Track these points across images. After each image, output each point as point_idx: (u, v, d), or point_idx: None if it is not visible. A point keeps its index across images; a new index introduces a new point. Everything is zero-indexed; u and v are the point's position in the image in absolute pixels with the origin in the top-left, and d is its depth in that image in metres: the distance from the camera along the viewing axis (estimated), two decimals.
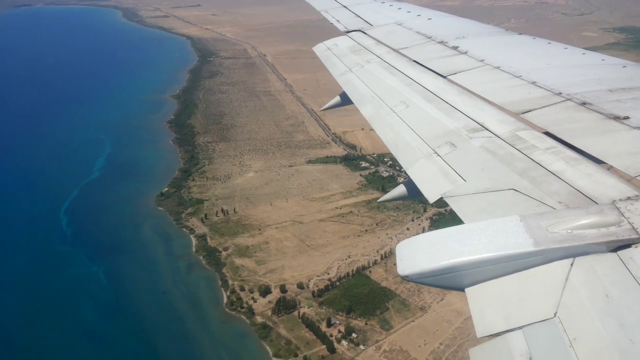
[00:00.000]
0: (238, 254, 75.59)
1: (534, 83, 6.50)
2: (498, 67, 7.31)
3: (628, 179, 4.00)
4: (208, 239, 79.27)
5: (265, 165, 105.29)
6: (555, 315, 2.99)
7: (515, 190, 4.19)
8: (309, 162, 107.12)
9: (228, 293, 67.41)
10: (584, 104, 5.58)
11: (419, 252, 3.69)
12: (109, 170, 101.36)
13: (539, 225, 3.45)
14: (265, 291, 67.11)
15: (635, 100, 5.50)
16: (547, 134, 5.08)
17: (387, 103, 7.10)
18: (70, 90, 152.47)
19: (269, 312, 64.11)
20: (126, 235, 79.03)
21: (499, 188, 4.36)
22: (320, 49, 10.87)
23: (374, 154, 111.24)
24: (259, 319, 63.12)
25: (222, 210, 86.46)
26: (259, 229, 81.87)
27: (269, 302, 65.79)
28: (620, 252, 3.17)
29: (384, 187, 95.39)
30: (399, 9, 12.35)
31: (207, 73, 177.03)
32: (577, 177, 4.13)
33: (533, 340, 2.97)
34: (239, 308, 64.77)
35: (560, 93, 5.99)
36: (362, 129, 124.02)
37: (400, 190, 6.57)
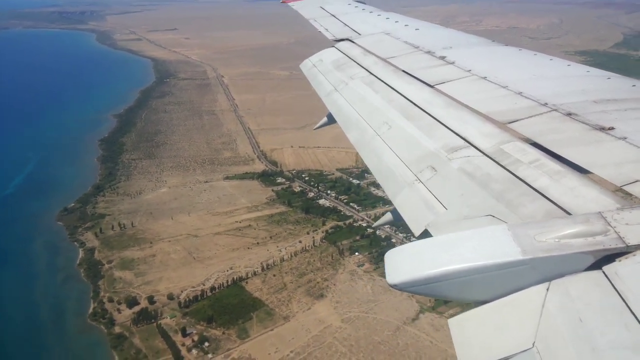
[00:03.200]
0: (120, 266, 76.36)
1: (520, 93, 6.49)
2: (485, 78, 7.27)
3: (614, 189, 3.99)
4: (96, 252, 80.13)
5: (181, 182, 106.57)
6: (533, 345, 2.94)
7: (493, 217, 4.12)
8: (226, 178, 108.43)
9: (95, 304, 68.09)
10: (569, 114, 5.59)
11: (408, 261, 3.61)
12: (23, 187, 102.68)
13: (527, 234, 3.44)
14: (132, 302, 67.75)
15: (619, 112, 5.55)
16: (534, 144, 5.04)
17: (370, 125, 6.90)
18: (14, 110, 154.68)
19: (129, 323, 64.67)
20: (15, 249, 79.98)
21: (476, 215, 4.27)
22: (306, 67, 10.33)
23: (293, 170, 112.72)
24: (117, 329, 63.72)
25: (120, 225, 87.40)
26: (151, 243, 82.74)
27: (134, 312, 66.34)
28: (605, 268, 3.14)
29: (290, 201, 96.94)
30: (387, 18, 12.32)
31: (158, 93, 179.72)
32: (560, 192, 4.08)
33: None
34: (101, 319, 65.39)
35: (546, 103, 6.00)
36: (291, 147, 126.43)
37: (387, 217, 6.53)
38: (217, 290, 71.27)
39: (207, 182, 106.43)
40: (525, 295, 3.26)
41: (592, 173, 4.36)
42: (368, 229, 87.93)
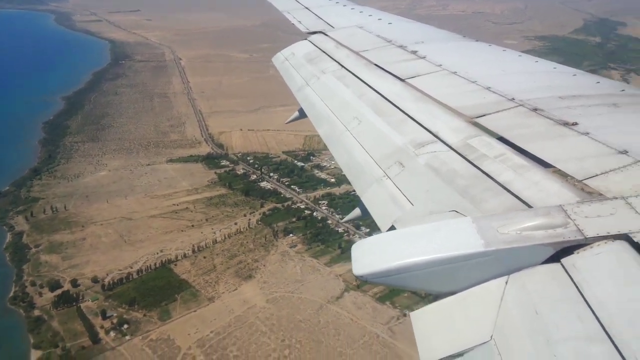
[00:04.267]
0: (48, 250, 75.22)
1: (488, 88, 6.55)
2: (455, 72, 7.37)
3: (575, 183, 4.06)
4: (25, 236, 78.74)
5: (123, 164, 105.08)
6: (491, 338, 2.99)
7: (457, 212, 4.16)
8: (169, 161, 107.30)
9: (16, 288, 67.09)
10: (535, 109, 5.67)
11: (374, 253, 3.67)
12: None
13: (490, 226, 3.50)
14: (55, 286, 66.90)
15: (583, 107, 5.64)
16: (500, 138, 5.12)
17: (341, 120, 6.92)
18: None
19: (49, 306, 63.93)
20: None
21: (441, 210, 4.31)
22: (278, 60, 10.27)
23: (239, 153, 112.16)
24: (36, 313, 62.96)
25: (52, 208, 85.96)
26: (82, 226, 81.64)
27: (55, 296, 65.52)
28: (563, 260, 3.20)
29: (231, 184, 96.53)
30: (360, 12, 12.33)
31: (111, 75, 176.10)
32: (523, 186, 4.15)
33: None
34: (20, 302, 64.49)
35: (514, 99, 6.08)
36: (240, 130, 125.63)
37: (356, 212, 6.66)
38: (143, 273, 70.84)
39: (149, 165, 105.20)
40: (485, 288, 3.29)
41: (555, 167, 4.42)
42: (306, 211, 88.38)
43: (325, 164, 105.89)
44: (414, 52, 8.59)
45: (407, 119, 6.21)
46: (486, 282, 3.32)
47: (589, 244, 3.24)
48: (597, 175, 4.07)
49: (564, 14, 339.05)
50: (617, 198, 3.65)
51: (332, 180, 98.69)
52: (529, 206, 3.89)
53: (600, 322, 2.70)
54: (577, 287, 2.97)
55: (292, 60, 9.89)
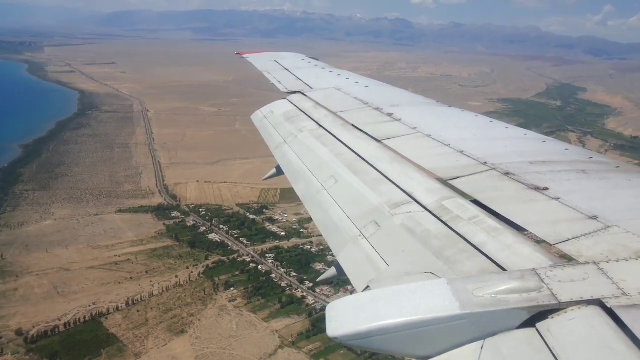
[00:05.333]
0: None
1: (461, 152, 6.62)
2: (429, 135, 7.46)
3: (548, 247, 4.03)
4: None
5: (70, 214, 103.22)
6: None
7: (432, 274, 4.11)
8: (119, 211, 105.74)
9: None
10: (507, 173, 5.73)
11: (348, 314, 3.56)
12: None
13: (465, 288, 3.44)
14: None
15: (553, 173, 5.69)
16: (474, 201, 5.12)
17: (318, 178, 6.86)
18: None
19: None
20: None
21: (417, 271, 4.26)
22: (257, 118, 10.33)
23: (192, 204, 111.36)
24: None
25: None
26: (17, 276, 78.99)
27: None
28: (538, 325, 3.16)
29: (178, 235, 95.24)
30: (338, 75, 12.63)
31: (75, 125, 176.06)
32: (497, 249, 4.15)
33: None
34: None
35: (486, 163, 6.12)
36: (197, 181, 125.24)
37: (332, 271, 6.35)
38: (71, 326, 68.25)
39: (97, 215, 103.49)
40: (461, 353, 3.24)
41: (527, 231, 4.42)
42: (251, 264, 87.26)
43: (277, 217, 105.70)
44: (390, 115, 8.78)
45: (383, 179, 6.27)
46: (462, 347, 3.29)
47: (562, 309, 3.23)
48: (568, 240, 4.11)
49: (529, 79, 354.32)
50: (588, 263, 3.67)
51: (282, 233, 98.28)
52: (503, 269, 3.90)
53: None
54: (552, 352, 2.96)
55: (270, 118, 10.01)
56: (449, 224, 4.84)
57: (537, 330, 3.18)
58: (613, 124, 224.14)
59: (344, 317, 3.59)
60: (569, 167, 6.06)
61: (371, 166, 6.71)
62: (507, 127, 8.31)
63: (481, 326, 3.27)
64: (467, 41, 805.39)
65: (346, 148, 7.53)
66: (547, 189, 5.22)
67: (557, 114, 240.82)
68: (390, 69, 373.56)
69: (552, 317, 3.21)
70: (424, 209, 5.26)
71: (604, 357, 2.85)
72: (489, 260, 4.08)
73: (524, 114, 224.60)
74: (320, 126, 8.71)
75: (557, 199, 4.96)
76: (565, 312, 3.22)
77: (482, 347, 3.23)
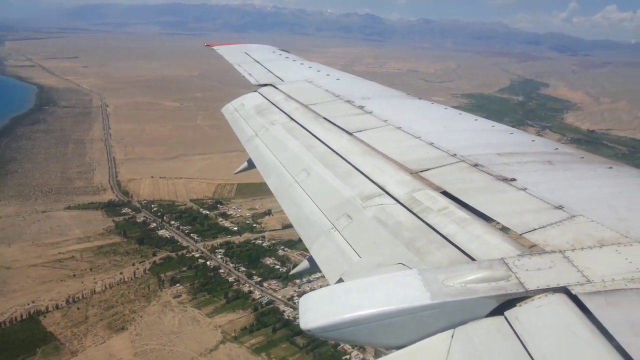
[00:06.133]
0: None
1: (431, 144, 6.65)
2: (400, 128, 7.48)
3: (515, 237, 4.05)
4: None
5: (17, 211, 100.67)
6: None
7: (403, 265, 4.13)
8: (67, 208, 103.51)
9: None
10: (476, 165, 5.77)
11: (321, 306, 3.56)
12: None
13: (436, 278, 3.48)
14: None
15: (520, 164, 5.76)
16: (444, 192, 5.13)
17: (289, 171, 6.83)
18: None
19: None
20: None
21: (388, 263, 4.28)
22: (228, 111, 10.15)
23: (144, 200, 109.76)
24: None
25: None
26: None
27: None
28: (506, 313, 3.19)
29: (126, 232, 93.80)
30: (309, 67, 12.54)
31: (30, 120, 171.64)
32: (466, 239, 4.20)
33: None
34: None
35: (455, 154, 6.17)
36: (152, 177, 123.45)
37: (304, 264, 6.20)
38: (7, 325, 66.69)
39: (44, 212, 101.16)
40: (432, 342, 3.27)
41: (496, 221, 4.48)
42: (200, 260, 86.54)
43: (231, 212, 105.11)
44: (361, 107, 8.79)
45: (355, 172, 6.29)
46: (433, 336, 3.31)
47: (530, 297, 3.29)
48: (535, 230, 4.18)
49: (494, 75, 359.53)
50: (555, 252, 3.74)
51: (235, 228, 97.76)
52: (473, 259, 3.95)
53: None
54: (520, 339, 3.00)
55: (241, 111, 9.93)
56: (419, 215, 4.91)
57: (505, 318, 3.23)
58: (571, 119, 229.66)
59: (317, 309, 3.61)
60: (535, 158, 6.19)
61: (343, 159, 6.75)
62: (476, 120, 8.46)
63: (452, 315, 3.33)
64: (436, 37, 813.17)
65: (318, 141, 7.54)
66: (514, 179, 5.31)
67: (518, 108, 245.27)
68: (359, 64, 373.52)
69: (520, 305, 3.27)
70: (395, 201, 5.32)
71: (569, 342, 2.91)
72: (459, 251, 4.17)
73: (485, 108, 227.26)
74: (292, 119, 8.69)
75: (524, 189, 5.05)
76: (533, 300, 3.28)
77: (452, 336, 3.28)
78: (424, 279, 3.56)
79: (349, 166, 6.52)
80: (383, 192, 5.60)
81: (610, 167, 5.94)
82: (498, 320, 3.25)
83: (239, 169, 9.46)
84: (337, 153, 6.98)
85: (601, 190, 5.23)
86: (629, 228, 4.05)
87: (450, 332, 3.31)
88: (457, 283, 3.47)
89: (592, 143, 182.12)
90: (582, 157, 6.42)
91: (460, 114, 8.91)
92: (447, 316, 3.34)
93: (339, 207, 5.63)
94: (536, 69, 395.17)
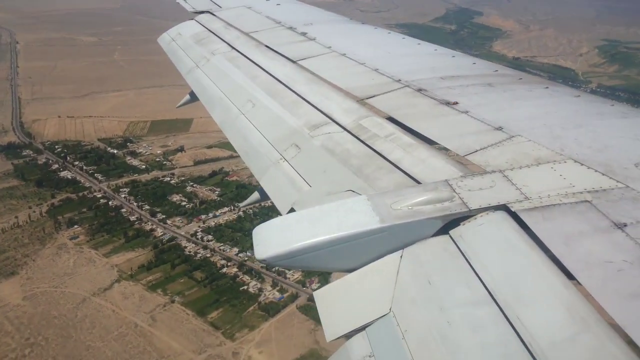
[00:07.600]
0: None
1: (376, 70, 6.60)
2: (344, 54, 7.35)
3: (458, 159, 4.18)
4: None
5: None
6: (390, 310, 3.10)
7: (353, 191, 4.18)
8: None
9: None
10: (420, 90, 5.80)
11: (275, 236, 3.63)
12: None
13: (384, 203, 3.57)
14: None
15: (462, 87, 5.85)
16: (390, 118, 5.20)
17: (234, 103, 6.63)
18: None
19: None
20: None
21: (338, 190, 4.32)
22: (164, 41, 9.72)
23: (48, 142, 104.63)
24: None
25: None
26: None
27: None
28: (451, 232, 3.35)
29: (25, 174, 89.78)
30: None
31: None
32: (412, 163, 4.29)
33: (374, 338, 3.06)
34: None
35: (400, 80, 6.16)
36: (58, 117, 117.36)
37: (255, 196, 6.34)
38: None
39: None
40: (382, 263, 3.40)
41: (440, 144, 4.61)
42: (102, 200, 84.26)
43: (141, 150, 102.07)
44: (304, 34, 8.58)
45: (300, 101, 6.23)
46: (383, 258, 3.41)
47: (473, 216, 3.40)
48: (477, 151, 4.27)
49: (430, 4, 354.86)
50: (495, 172, 3.85)
51: (143, 167, 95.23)
52: (418, 182, 4.03)
53: (485, 287, 2.89)
54: (464, 256, 3.15)
55: (179, 41, 9.55)
56: (366, 142, 4.92)
57: (450, 237, 3.35)
58: (499, 46, 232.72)
59: (271, 239, 3.61)
60: (476, 81, 6.20)
61: (288, 88, 6.66)
62: (419, 44, 8.34)
63: (400, 237, 3.40)
64: None
65: (261, 70, 7.38)
66: (456, 103, 5.36)
67: (450, 37, 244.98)
68: None
69: (464, 224, 3.38)
70: (342, 129, 5.33)
71: (510, 256, 3.04)
72: (405, 175, 4.23)
73: (417, 38, 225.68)
74: (233, 48, 8.45)
75: (466, 112, 5.11)
76: (475, 219, 3.37)
77: (401, 257, 3.38)
78: (373, 204, 3.61)
79: (295, 95, 6.47)
80: (330, 121, 5.60)
81: (547, 87, 6.02)
82: (443, 239, 3.37)
83: (181, 102, 9.21)
84: (281, 82, 6.86)
85: (538, 110, 5.30)
86: (563, 145, 4.18)
87: (399, 252, 3.41)
88: (404, 206, 3.51)
89: (517, 69, 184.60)
90: (521, 78, 6.48)
91: (403, 38, 8.89)
92: (396, 238, 3.42)
93: (286, 138, 5.62)
94: None
